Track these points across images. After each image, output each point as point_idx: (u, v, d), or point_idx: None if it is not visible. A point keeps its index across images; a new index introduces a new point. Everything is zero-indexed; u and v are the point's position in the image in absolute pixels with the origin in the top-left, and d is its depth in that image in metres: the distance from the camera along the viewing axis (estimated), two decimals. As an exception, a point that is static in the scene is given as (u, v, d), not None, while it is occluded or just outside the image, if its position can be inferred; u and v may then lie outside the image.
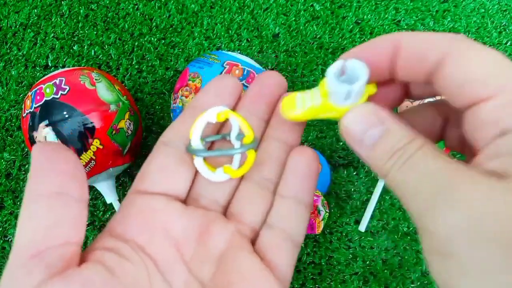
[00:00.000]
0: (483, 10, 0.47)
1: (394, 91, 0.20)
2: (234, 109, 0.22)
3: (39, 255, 0.16)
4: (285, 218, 0.20)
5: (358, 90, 0.17)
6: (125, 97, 0.38)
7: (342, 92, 0.17)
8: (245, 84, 0.35)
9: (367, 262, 0.39)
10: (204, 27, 0.47)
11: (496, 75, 0.15)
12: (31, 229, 0.16)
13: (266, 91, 0.22)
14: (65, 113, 0.34)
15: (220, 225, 0.20)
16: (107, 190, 0.38)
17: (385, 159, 0.16)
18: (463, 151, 0.20)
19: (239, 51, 0.46)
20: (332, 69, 0.17)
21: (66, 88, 0.34)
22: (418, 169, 0.15)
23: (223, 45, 0.46)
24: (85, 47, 0.46)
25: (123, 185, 0.42)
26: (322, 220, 0.37)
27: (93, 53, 0.46)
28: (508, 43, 0.46)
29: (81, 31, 0.47)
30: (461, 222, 0.14)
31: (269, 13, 0.47)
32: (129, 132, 0.37)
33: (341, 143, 0.43)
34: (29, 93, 0.36)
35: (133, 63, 0.45)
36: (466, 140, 0.17)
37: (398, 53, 0.17)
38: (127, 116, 0.36)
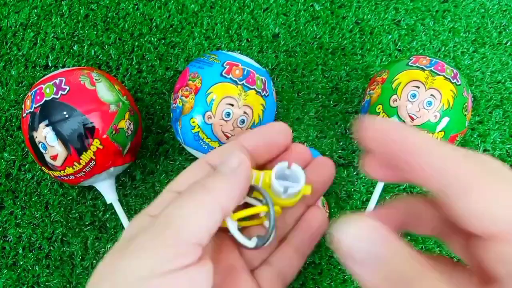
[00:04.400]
0: (483, 10, 0.47)
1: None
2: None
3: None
4: (284, 261, 0.24)
5: (295, 190, 0.21)
6: (125, 97, 0.38)
7: (280, 189, 0.20)
8: (245, 84, 0.35)
9: (367, 262, 0.39)
10: (204, 27, 0.47)
11: (505, 214, 0.14)
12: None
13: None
14: (65, 113, 0.34)
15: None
16: (107, 190, 0.38)
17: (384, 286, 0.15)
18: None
19: (239, 51, 0.46)
20: (277, 168, 0.21)
21: (66, 88, 0.34)
22: None
23: (223, 45, 0.46)
24: (85, 47, 0.46)
25: (123, 185, 0.42)
26: None
27: (93, 53, 0.46)
28: (508, 43, 0.46)
29: (81, 31, 0.47)
30: None
31: (269, 13, 0.47)
32: (129, 132, 0.37)
33: (341, 143, 0.43)
34: (29, 93, 0.36)
35: (133, 63, 0.45)
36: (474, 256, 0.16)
37: (407, 158, 0.16)
38: (127, 116, 0.36)
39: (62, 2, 0.48)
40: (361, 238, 0.15)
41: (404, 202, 0.19)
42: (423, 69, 0.36)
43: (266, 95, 0.37)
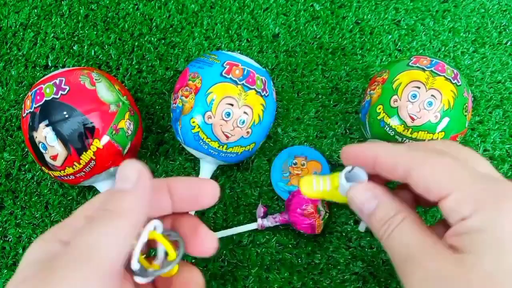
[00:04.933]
0: (483, 10, 0.47)
1: (406, 195, 0.26)
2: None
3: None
4: None
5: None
6: (125, 97, 0.38)
7: (347, 187, 0.25)
8: (245, 84, 0.35)
9: (367, 262, 0.39)
10: (204, 27, 0.47)
11: (449, 178, 0.21)
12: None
13: None
14: (65, 113, 0.34)
15: None
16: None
17: (378, 227, 0.23)
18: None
19: (239, 51, 0.46)
20: (344, 172, 0.25)
21: (66, 88, 0.34)
22: (397, 240, 0.22)
23: (223, 45, 0.46)
24: (85, 47, 0.46)
25: (123, 185, 0.42)
26: (322, 220, 0.37)
27: (93, 53, 0.46)
28: (508, 43, 0.46)
29: (81, 31, 0.47)
30: (419, 285, 0.20)
31: (269, 13, 0.47)
32: (129, 132, 0.37)
33: (341, 143, 0.43)
34: (29, 93, 0.36)
35: (133, 63, 0.45)
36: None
37: (376, 162, 0.24)
38: (127, 116, 0.36)
39: (62, 2, 0.48)
40: (356, 195, 0.24)
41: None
42: (423, 70, 0.36)
43: (266, 95, 0.37)
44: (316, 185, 0.26)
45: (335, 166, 0.42)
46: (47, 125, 0.34)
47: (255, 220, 0.39)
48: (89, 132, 0.34)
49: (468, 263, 0.19)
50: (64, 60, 0.46)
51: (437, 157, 0.22)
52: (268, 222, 0.38)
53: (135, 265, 0.20)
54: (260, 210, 0.39)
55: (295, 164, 0.41)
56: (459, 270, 0.19)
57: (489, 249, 0.19)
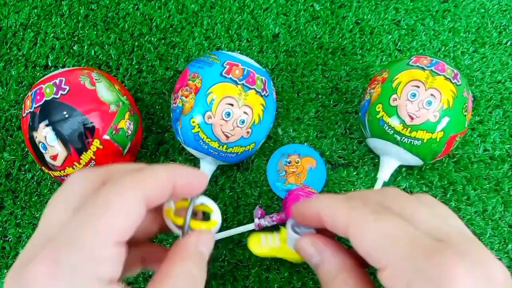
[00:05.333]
0: (483, 10, 0.47)
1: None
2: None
3: None
4: None
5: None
6: (125, 97, 0.38)
7: (294, 238, 0.25)
8: (245, 83, 0.35)
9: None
10: (204, 27, 0.47)
11: (383, 249, 0.19)
12: None
13: None
14: (65, 113, 0.34)
15: None
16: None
17: (323, 282, 0.23)
18: None
19: (239, 51, 0.46)
20: (290, 223, 0.25)
21: (66, 88, 0.34)
22: None
23: (223, 45, 0.46)
24: (85, 47, 0.46)
25: (123, 185, 0.42)
26: None
27: (93, 53, 0.46)
28: (508, 43, 0.46)
29: (81, 31, 0.47)
30: None
31: (269, 13, 0.47)
32: (129, 132, 0.37)
33: (341, 143, 0.42)
34: (29, 93, 0.36)
35: (133, 63, 0.45)
36: None
37: (320, 219, 0.22)
38: (127, 116, 0.36)
39: (62, 2, 0.48)
40: (302, 248, 0.24)
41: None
42: (423, 69, 0.36)
43: (266, 95, 0.37)
44: (265, 242, 0.27)
45: (335, 166, 0.42)
46: (47, 125, 0.34)
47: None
48: (89, 132, 0.34)
49: None
50: (64, 60, 0.46)
51: (374, 219, 0.20)
52: (265, 221, 0.38)
53: (186, 227, 0.24)
54: (258, 211, 0.39)
55: (289, 162, 0.41)
56: None
57: None
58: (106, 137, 0.35)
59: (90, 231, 0.18)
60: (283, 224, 0.39)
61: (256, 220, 0.38)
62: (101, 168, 0.22)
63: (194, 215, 0.25)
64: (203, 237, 0.23)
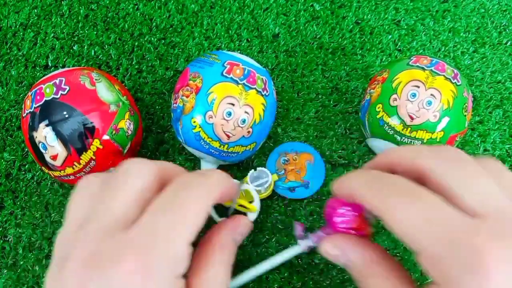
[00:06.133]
0: (483, 10, 0.47)
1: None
2: None
3: None
4: None
5: (266, 185, 0.37)
6: (125, 97, 0.38)
7: (257, 188, 0.32)
8: (246, 83, 0.35)
9: (367, 262, 0.39)
10: (204, 27, 0.47)
11: (419, 234, 0.18)
12: None
13: None
14: (65, 113, 0.34)
15: None
16: (107, 190, 0.38)
17: (358, 278, 0.22)
18: None
19: (239, 51, 0.46)
20: (249, 176, 0.32)
21: (66, 88, 0.34)
22: None
23: (223, 45, 0.46)
24: (85, 47, 0.46)
25: (123, 185, 0.42)
26: (370, 226, 0.29)
27: (93, 53, 0.46)
28: (508, 43, 0.46)
29: (81, 31, 0.47)
30: None
31: (269, 13, 0.47)
32: (129, 132, 0.37)
33: (341, 143, 0.43)
34: (29, 93, 0.36)
35: (133, 63, 0.45)
36: None
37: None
38: (127, 116, 0.36)
39: (62, 2, 0.48)
40: (330, 252, 0.24)
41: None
42: (423, 69, 0.36)
43: (267, 94, 0.37)
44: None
45: (335, 166, 0.42)
46: (47, 125, 0.34)
47: (256, 222, 0.39)
48: (89, 132, 0.34)
49: None
50: (64, 60, 0.46)
51: (408, 201, 0.19)
52: (312, 242, 0.31)
53: (232, 206, 0.28)
54: (297, 228, 0.34)
55: (288, 161, 0.41)
56: None
57: None
58: (106, 137, 0.35)
59: (172, 233, 0.19)
60: (285, 225, 0.39)
61: (302, 243, 0.33)
62: (155, 163, 0.22)
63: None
64: (241, 225, 0.25)
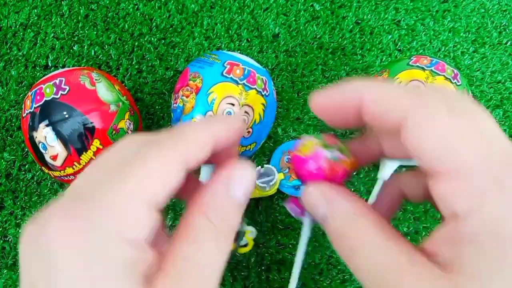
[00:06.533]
0: (483, 10, 0.47)
1: (369, 147, 0.21)
2: None
3: None
4: None
5: (272, 183, 0.37)
6: (125, 97, 0.38)
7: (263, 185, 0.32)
8: (246, 83, 0.35)
9: (367, 262, 0.39)
10: (204, 27, 0.47)
11: (451, 150, 0.15)
12: None
13: None
14: (65, 113, 0.34)
15: None
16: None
17: (336, 232, 0.17)
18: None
19: (239, 51, 0.46)
20: (257, 171, 0.28)
21: (66, 88, 0.34)
22: (368, 260, 0.16)
23: (223, 45, 0.46)
24: (85, 47, 0.46)
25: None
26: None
27: (93, 53, 0.46)
28: (508, 43, 0.46)
29: (81, 31, 0.47)
30: None
31: (269, 13, 0.47)
32: (129, 132, 0.37)
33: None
34: (29, 93, 0.36)
35: (133, 63, 0.45)
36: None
37: (362, 106, 0.17)
38: (127, 116, 0.36)
39: (62, 2, 0.48)
40: (308, 199, 0.19)
41: (398, 178, 0.22)
42: (423, 69, 0.36)
43: (267, 94, 0.37)
44: None
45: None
46: (47, 125, 0.34)
47: (256, 222, 0.39)
48: (89, 132, 0.34)
49: None
50: (64, 60, 0.46)
51: (448, 111, 0.15)
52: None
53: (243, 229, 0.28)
54: (292, 209, 0.30)
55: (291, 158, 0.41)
56: None
57: (490, 271, 0.13)
58: (106, 137, 0.35)
59: (119, 187, 0.15)
60: (285, 225, 0.39)
61: (306, 218, 0.28)
62: (150, 133, 0.19)
63: None
64: (236, 177, 0.18)
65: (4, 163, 0.42)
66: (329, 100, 0.18)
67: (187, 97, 0.36)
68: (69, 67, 0.44)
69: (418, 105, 0.15)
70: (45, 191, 0.41)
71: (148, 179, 0.16)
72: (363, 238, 0.16)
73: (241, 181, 0.18)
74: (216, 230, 0.17)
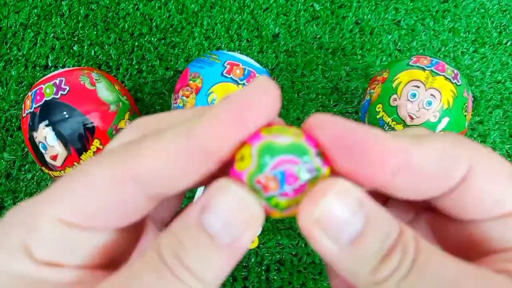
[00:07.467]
0: (483, 10, 0.47)
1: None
2: None
3: None
4: None
5: None
6: (125, 97, 0.38)
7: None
8: (246, 83, 0.35)
9: (367, 262, 0.39)
10: (204, 27, 0.47)
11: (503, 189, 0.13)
12: None
13: None
14: (65, 113, 0.34)
15: None
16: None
17: (373, 264, 0.12)
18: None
19: (239, 51, 0.46)
20: None
21: (66, 88, 0.34)
22: (433, 280, 0.12)
23: (223, 45, 0.46)
24: (85, 47, 0.46)
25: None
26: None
27: (93, 53, 0.46)
28: (508, 43, 0.46)
29: (81, 31, 0.47)
30: None
31: (269, 13, 0.47)
32: (129, 132, 0.37)
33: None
34: (29, 93, 0.36)
35: (133, 63, 0.45)
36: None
37: (405, 171, 0.13)
38: (127, 116, 0.36)
39: (62, 2, 0.48)
40: (336, 206, 0.13)
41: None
42: (423, 69, 0.36)
43: (266, 95, 0.37)
44: None
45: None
46: (47, 125, 0.34)
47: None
48: (89, 132, 0.34)
49: None
50: (64, 60, 0.46)
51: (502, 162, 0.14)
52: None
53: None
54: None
55: None
56: None
57: None
58: (106, 137, 0.35)
59: (36, 203, 0.13)
60: (285, 225, 0.39)
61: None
62: (157, 116, 0.15)
63: None
64: (212, 201, 0.12)
65: (4, 163, 0.42)
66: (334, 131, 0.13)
67: (187, 97, 0.36)
68: (69, 67, 0.44)
69: (479, 156, 0.13)
70: (45, 191, 0.41)
71: (67, 194, 0.13)
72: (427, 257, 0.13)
73: (218, 208, 0.12)
74: (162, 264, 0.12)
